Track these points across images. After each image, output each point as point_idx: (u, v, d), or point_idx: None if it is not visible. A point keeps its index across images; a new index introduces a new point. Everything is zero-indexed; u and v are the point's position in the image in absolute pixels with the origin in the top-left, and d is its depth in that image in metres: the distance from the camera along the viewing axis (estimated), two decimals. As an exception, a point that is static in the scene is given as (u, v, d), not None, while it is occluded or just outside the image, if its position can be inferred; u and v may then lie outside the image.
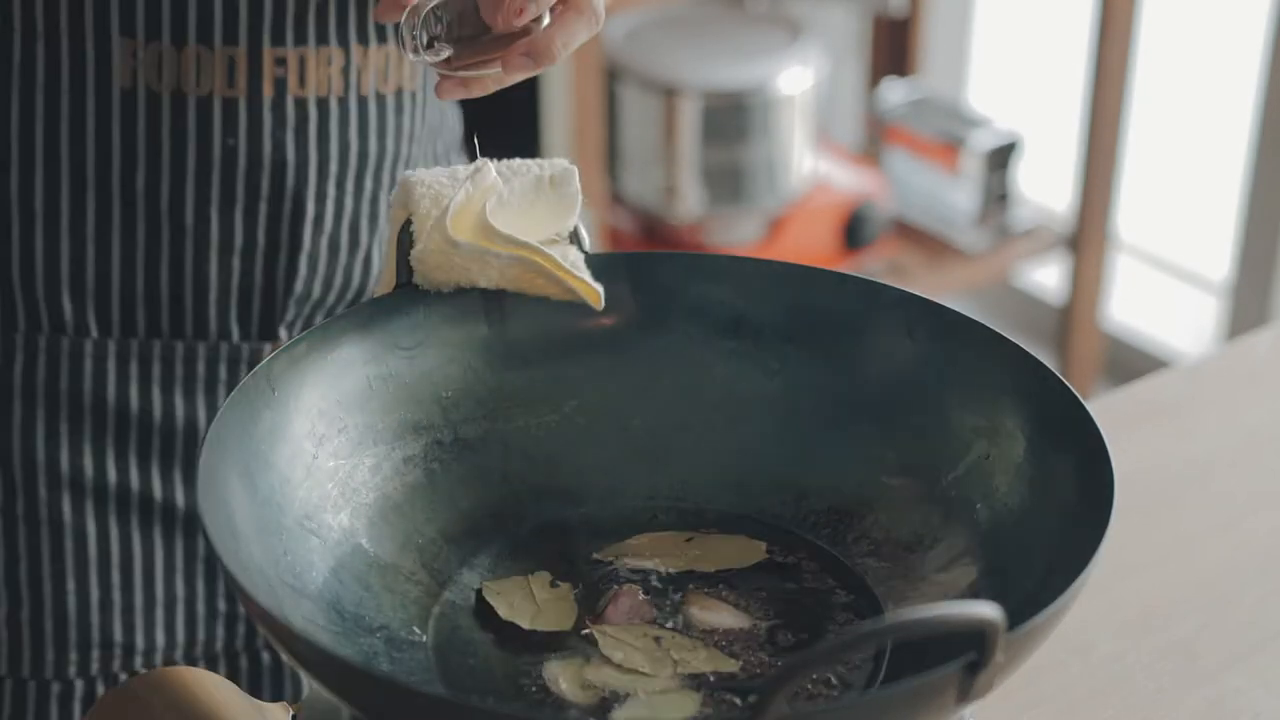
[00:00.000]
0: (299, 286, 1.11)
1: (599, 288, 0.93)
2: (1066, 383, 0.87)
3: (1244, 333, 2.46)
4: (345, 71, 1.07)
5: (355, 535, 0.88)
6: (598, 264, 0.94)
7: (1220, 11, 3.20)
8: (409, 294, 0.93)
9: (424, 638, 0.85)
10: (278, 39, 1.04)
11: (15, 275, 1.08)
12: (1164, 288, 3.18)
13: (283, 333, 1.12)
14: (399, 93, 1.11)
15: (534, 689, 0.82)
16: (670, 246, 2.63)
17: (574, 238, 0.95)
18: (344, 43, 1.06)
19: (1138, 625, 1.10)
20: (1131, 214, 3.07)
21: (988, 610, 0.68)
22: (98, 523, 1.11)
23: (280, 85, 1.05)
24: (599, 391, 0.96)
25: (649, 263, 0.98)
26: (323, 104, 1.07)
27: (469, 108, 1.06)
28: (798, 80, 2.57)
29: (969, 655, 0.69)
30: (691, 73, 2.55)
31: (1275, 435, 1.31)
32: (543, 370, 0.96)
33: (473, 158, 0.96)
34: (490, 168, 0.94)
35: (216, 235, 1.08)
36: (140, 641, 1.13)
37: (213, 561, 1.14)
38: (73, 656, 1.12)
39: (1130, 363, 3.02)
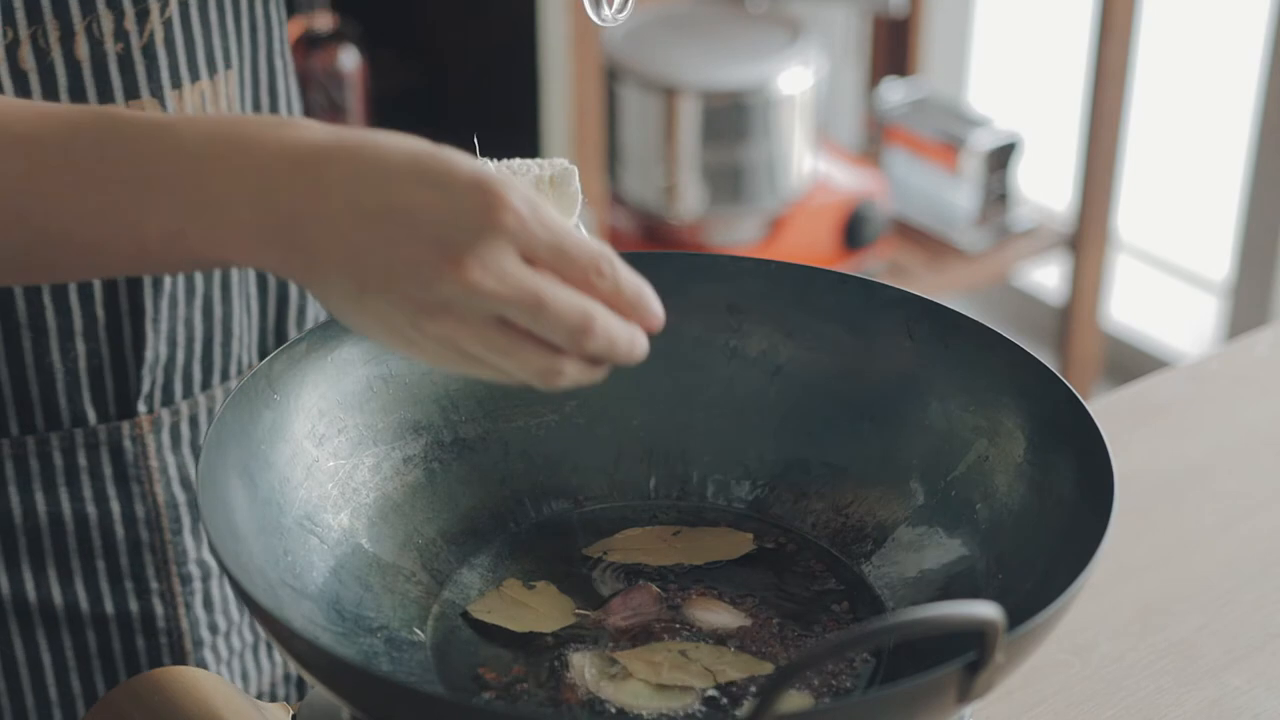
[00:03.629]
0: (148, 354, 1.04)
1: (600, 287, 0.93)
2: (1066, 383, 0.87)
3: (1244, 333, 2.46)
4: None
5: (355, 535, 0.88)
6: (597, 264, 0.94)
7: (1220, 12, 3.20)
8: (409, 294, 0.93)
9: (424, 638, 0.85)
10: (78, 100, 0.96)
11: None
12: (1164, 288, 3.18)
13: (140, 407, 1.06)
14: None
15: (532, 689, 0.82)
16: (670, 246, 2.63)
17: (575, 238, 0.95)
18: (156, 92, 0.99)
19: (1138, 625, 1.10)
20: (1131, 214, 3.07)
21: (988, 610, 0.68)
22: None
23: None
24: (599, 391, 0.96)
25: (649, 262, 0.98)
26: None
27: (469, 109, 1.03)
28: (798, 80, 2.57)
29: (969, 655, 0.69)
30: (691, 72, 2.55)
31: (1275, 435, 1.31)
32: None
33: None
34: (490, 166, 0.93)
35: (53, 320, 1.01)
36: None
37: (108, 654, 1.09)
38: None
39: (1130, 363, 3.02)
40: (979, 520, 0.88)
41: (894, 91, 2.90)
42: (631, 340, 0.78)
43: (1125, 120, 2.74)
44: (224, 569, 0.76)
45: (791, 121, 2.59)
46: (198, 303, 1.06)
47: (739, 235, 2.65)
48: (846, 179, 2.71)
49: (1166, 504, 1.22)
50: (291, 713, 0.85)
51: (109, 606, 1.08)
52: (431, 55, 2.51)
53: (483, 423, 0.95)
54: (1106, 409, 1.33)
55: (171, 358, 1.06)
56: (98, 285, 1.01)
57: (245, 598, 0.75)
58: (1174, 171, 3.26)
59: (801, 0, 2.92)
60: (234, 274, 1.08)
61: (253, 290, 1.11)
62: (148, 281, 1.02)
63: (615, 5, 0.90)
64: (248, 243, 0.75)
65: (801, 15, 2.77)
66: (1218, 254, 3.01)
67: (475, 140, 0.97)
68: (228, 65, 1.03)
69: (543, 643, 0.85)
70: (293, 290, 1.14)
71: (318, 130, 0.76)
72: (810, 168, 2.65)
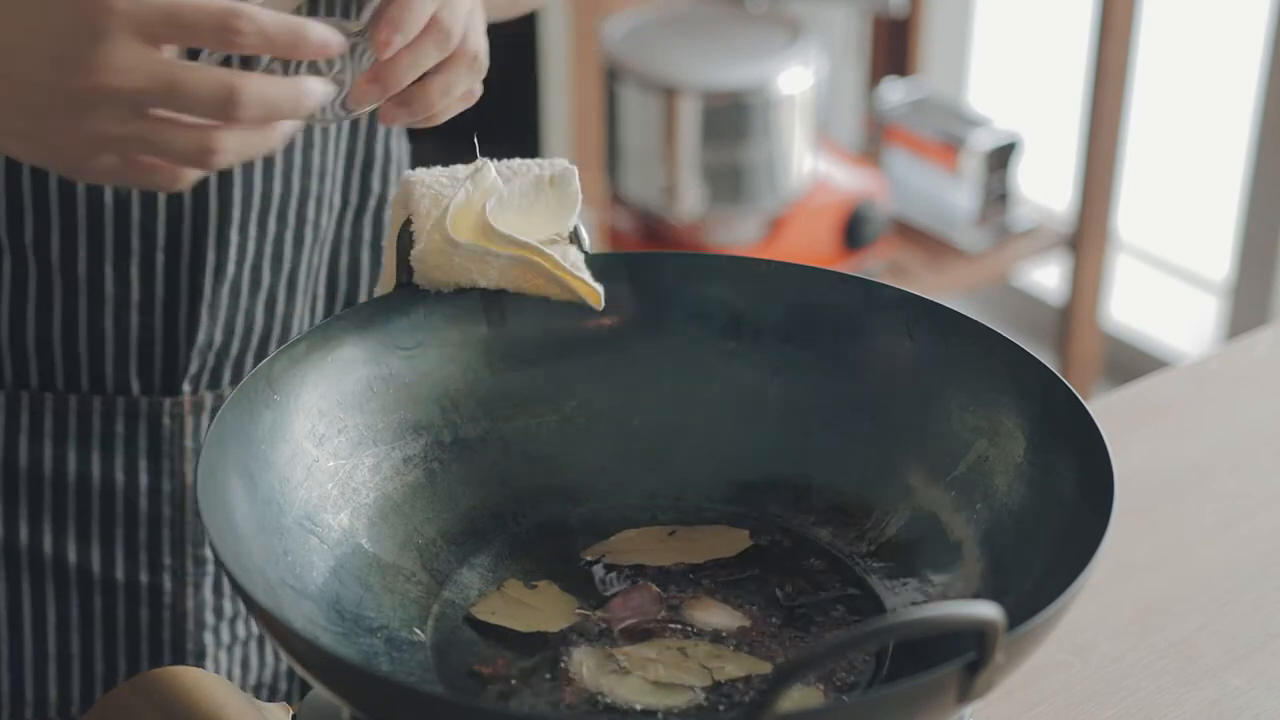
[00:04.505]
0: (200, 337, 1.06)
1: (599, 288, 0.93)
2: (1066, 383, 0.87)
3: (1244, 333, 2.46)
4: None
5: (355, 535, 0.88)
6: (598, 264, 0.94)
7: (1220, 11, 3.20)
8: (409, 294, 0.93)
9: (424, 638, 0.85)
10: None
11: None
12: (1164, 288, 3.18)
13: (185, 387, 1.07)
14: (307, 129, 1.05)
15: (533, 685, 0.82)
16: (670, 246, 2.63)
17: (574, 237, 0.95)
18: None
19: (1138, 625, 1.10)
20: (1132, 214, 3.07)
21: (988, 610, 0.68)
22: None
23: None
24: (599, 391, 0.96)
25: (649, 262, 0.98)
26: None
27: (469, 109, 1.03)
28: (798, 80, 2.57)
29: (969, 655, 0.69)
30: (691, 72, 2.55)
31: (1275, 435, 1.31)
32: (543, 370, 0.96)
33: (472, 158, 0.96)
34: (490, 168, 0.94)
35: (112, 289, 1.03)
36: (30, 693, 1.11)
37: (111, 620, 1.10)
38: None
39: (1130, 363, 3.02)
40: (979, 520, 0.88)
41: (894, 91, 2.90)
42: (296, 93, 0.79)
43: (1125, 120, 2.74)
44: (224, 568, 0.76)
45: (791, 121, 2.59)
46: (261, 296, 1.08)
47: (739, 235, 2.65)
48: (846, 179, 2.71)
49: (1166, 504, 1.22)
50: (291, 713, 0.85)
51: (120, 574, 1.10)
52: (431, 55, 2.50)
53: (483, 423, 0.95)
54: (1106, 409, 1.33)
55: (226, 345, 1.08)
56: (161, 261, 1.03)
57: (245, 597, 0.75)
58: (1174, 171, 3.26)
59: (801, 0, 2.92)
60: (301, 273, 1.10)
61: (320, 291, 1.13)
62: (210, 266, 1.04)
63: (336, 107, 0.89)
64: None
65: (801, 15, 2.77)
66: (1218, 254, 3.01)
67: (475, 140, 0.97)
68: None
69: (542, 641, 0.85)
70: (360, 296, 1.15)
71: None
72: (810, 168, 2.65)
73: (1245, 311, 2.78)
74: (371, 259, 1.15)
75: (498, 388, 0.95)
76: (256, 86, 0.78)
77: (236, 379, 1.09)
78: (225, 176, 1.03)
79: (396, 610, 0.86)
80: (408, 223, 0.93)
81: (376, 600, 0.86)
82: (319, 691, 0.83)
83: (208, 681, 0.85)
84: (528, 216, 0.93)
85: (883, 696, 0.72)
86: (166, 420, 1.08)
